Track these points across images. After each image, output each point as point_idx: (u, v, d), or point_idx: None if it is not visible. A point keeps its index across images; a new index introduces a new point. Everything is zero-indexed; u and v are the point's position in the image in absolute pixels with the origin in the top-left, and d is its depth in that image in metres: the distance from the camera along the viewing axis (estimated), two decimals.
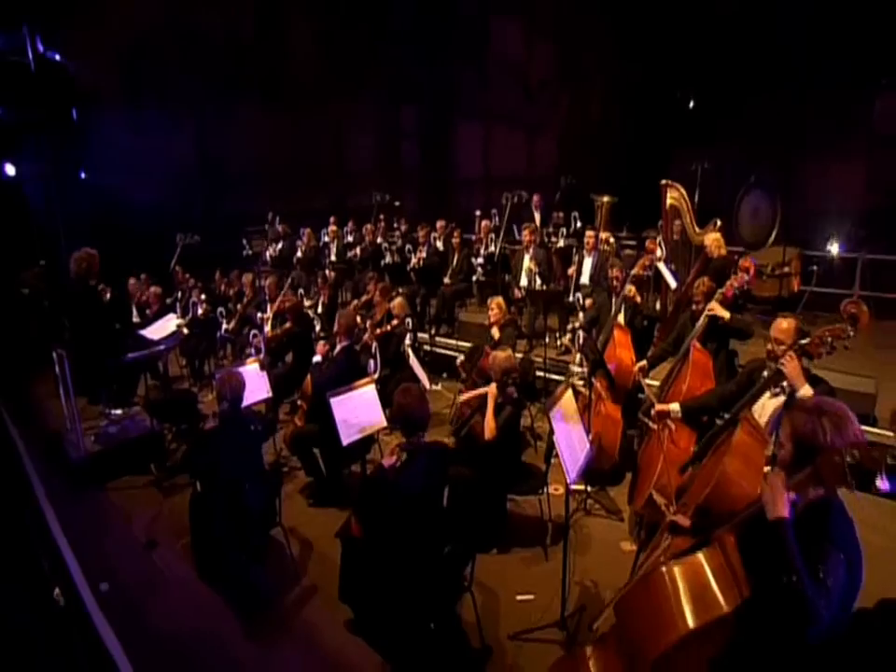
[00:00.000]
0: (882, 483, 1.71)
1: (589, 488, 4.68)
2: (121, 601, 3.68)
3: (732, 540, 1.99)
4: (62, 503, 4.68)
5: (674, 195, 6.37)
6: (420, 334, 7.41)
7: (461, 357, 5.84)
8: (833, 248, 8.11)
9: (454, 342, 7.50)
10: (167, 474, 5.17)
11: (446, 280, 8.01)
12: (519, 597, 3.66)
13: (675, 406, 3.72)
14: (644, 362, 4.65)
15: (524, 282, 7.07)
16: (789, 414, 1.95)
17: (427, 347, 7.53)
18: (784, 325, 3.11)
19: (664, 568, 2.08)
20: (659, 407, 3.77)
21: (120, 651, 3.26)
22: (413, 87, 14.29)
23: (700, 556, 2.03)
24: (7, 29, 8.21)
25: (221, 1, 10.74)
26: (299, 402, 4.91)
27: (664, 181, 6.40)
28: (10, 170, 8.10)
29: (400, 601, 2.93)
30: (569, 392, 3.37)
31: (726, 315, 4.12)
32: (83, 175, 8.95)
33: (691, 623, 1.91)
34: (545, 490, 4.20)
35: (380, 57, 13.24)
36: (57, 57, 8.35)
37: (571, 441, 3.08)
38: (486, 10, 14.25)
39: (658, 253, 6.37)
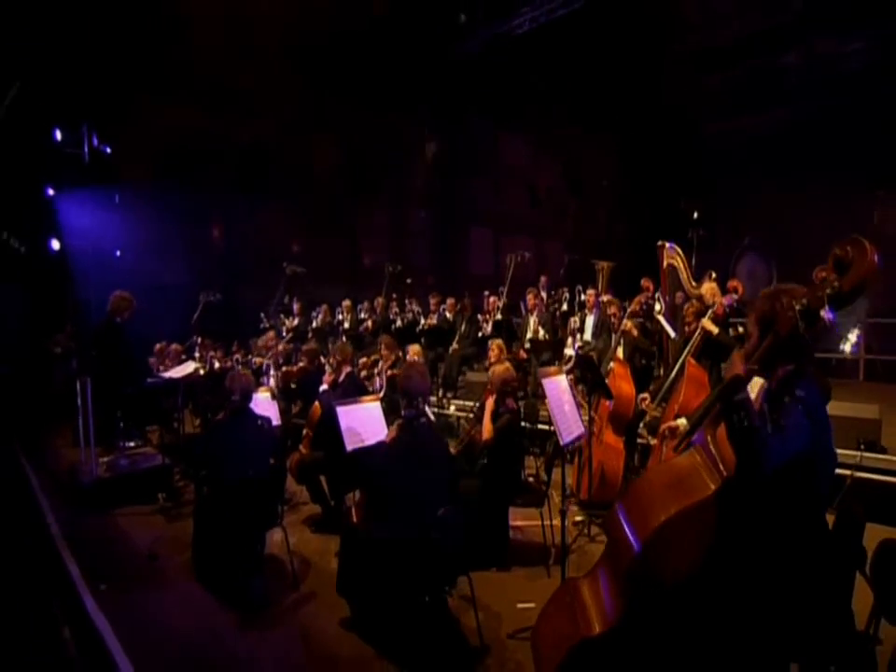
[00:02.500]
0: (827, 314, 1.83)
1: (592, 519, 4.63)
2: (120, 601, 3.66)
3: (710, 431, 2.08)
4: (68, 521, 4.73)
5: (670, 254, 6.66)
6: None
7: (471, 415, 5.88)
8: (847, 346, 8.30)
9: (460, 401, 7.59)
10: (174, 504, 5.22)
11: (454, 345, 8.24)
12: (520, 605, 3.57)
13: (682, 420, 3.82)
14: (646, 394, 4.69)
15: (528, 335, 7.29)
16: (750, 307, 2.13)
17: (434, 409, 7.60)
18: None
19: (647, 474, 2.15)
20: (666, 424, 3.87)
21: (119, 648, 3.22)
22: (426, 194, 15.48)
23: (680, 457, 2.11)
24: (70, 126, 9.31)
25: (250, 112, 11.98)
26: (304, 431, 5.00)
27: (660, 242, 6.73)
28: (56, 245, 8.82)
29: (397, 571, 2.92)
30: (563, 376, 3.49)
31: (714, 329, 4.30)
32: (118, 253, 9.66)
33: (673, 507, 1.96)
34: (546, 502, 4.18)
35: (395, 167, 14.45)
36: (108, 150, 9.33)
37: (564, 410, 3.18)
38: (494, 126, 15.64)
39: (657, 307, 6.61)
